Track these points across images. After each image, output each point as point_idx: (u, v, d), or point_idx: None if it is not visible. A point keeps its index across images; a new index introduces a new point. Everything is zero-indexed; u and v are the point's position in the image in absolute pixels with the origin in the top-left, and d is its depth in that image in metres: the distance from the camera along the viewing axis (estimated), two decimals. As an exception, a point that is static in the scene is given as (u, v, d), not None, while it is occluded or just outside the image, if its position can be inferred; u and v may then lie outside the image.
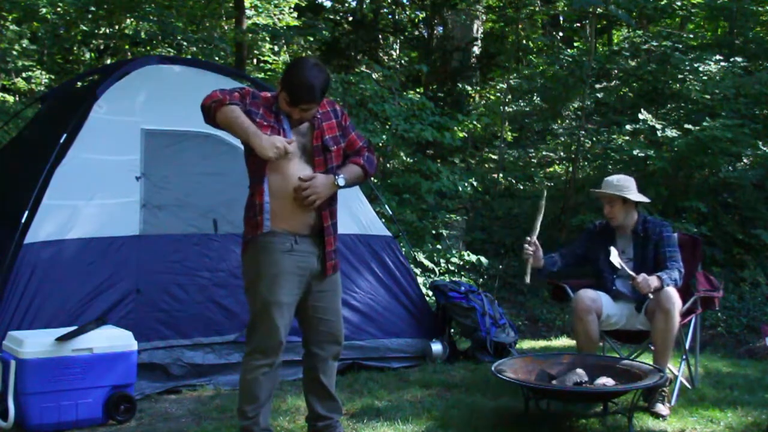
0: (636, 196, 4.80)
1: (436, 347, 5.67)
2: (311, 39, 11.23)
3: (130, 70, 5.32)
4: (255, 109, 3.45)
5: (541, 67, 12.85)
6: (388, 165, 9.64)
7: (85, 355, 4.15)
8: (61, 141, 4.82)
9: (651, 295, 4.51)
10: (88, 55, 12.72)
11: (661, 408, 4.36)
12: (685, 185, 9.66)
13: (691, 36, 11.54)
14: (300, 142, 3.52)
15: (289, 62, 3.55)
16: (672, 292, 4.51)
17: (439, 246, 8.88)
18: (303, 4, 12.96)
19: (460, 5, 12.63)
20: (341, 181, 3.53)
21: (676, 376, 4.73)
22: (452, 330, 6.07)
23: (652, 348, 4.64)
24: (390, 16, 13.74)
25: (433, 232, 9.12)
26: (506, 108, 12.61)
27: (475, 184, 9.76)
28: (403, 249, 6.19)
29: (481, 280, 9.06)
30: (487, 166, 12.94)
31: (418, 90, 11.91)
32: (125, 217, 4.86)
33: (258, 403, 3.51)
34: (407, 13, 13.72)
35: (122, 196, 4.89)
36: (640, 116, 9.42)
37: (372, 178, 8.58)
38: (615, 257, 4.66)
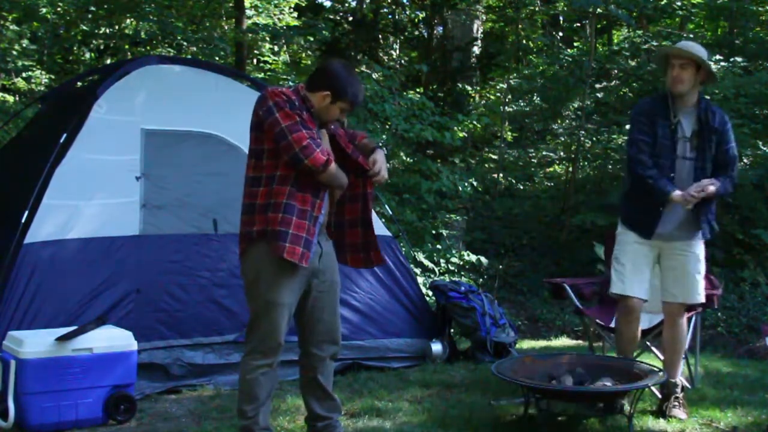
0: (710, 68, 4.37)
1: (436, 347, 5.67)
2: (311, 39, 11.24)
3: (130, 70, 5.32)
4: (307, 124, 3.44)
5: (541, 67, 12.87)
6: (388, 165, 9.62)
7: (85, 355, 4.14)
8: (61, 141, 4.82)
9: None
10: (88, 55, 12.71)
11: (679, 412, 4.35)
12: (685, 185, 9.65)
13: (691, 36, 11.54)
14: (324, 143, 3.58)
15: (333, 71, 3.56)
16: (681, 307, 4.44)
17: (439, 246, 8.88)
18: (303, 4, 12.96)
19: (460, 5, 12.63)
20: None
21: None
22: (452, 330, 6.07)
23: (662, 358, 4.60)
24: (390, 16, 13.73)
25: (433, 232, 9.12)
26: (506, 108, 12.62)
27: (475, 184, 9.77)
28: (403, 249, 6.19)
29: (481, 280, 9.07)
30: (487, 166, 12.94)
31: (418, 90, 11.90)
32: (125, 217, 4.86)
33: (258, 402, 3.51)
34: (407, 13, 13.72)
35: (122, 196, 4.89)
36: (640, 116, 9.40)
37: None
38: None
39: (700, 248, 4.46)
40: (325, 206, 3.54)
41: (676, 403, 4.38)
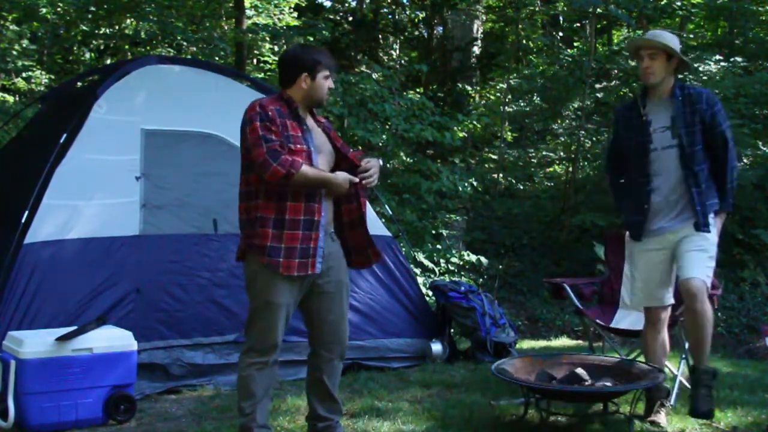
0: (682, 56, 4.21)
1: (436, 347, 5.68)
2: (311, 39, 11.23)
3: (130, 70, 5.32)
4: (286, 132, 3.44)
5: (541, 67, 12.87)
6: (388, 165, 9.64)
7: (85, 355, 4.14)
8: (61, 141, 4.82)
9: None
10: (88, 55, 12.72)
11: (704, 404, 4.06)
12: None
13: (691, 36, 11.55)
14: (315, 141, 3.58)
15: (291, 56, 3.62)
16: (698, 285, 4.02)
17: (439, 246, 8.88)
18: (303, 4, 12.96)
19: (460, 5, 12.64)
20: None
21: (675, 376, 4.72)
22: (452, 330, 6.07)
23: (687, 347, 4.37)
24: (390, 16, 13.74)
25: (433, 232, 9.13)
26: (506, 108, 12.62)
27: (475, 184, 9.77)
28: (403, 249, 6.19)
29: (481, 280, 9.07)
30: (487, 166, 12.95)
31: (418, 90, 11.90)
32: (125, 217, 4.86)
33: (254, 399, 3.52)
34: (407, 13, 13.72)
35: (122, 196, 4.89)
36: (640, 116, 9.40)
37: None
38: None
39: (707, 240, 4.12)
40: (325, 208, 3.54)
41: (707, 393, 4.03)
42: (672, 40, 4.20)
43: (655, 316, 4.30)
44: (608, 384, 4.10)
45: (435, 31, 13.43)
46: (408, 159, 9.94)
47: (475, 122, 10.93)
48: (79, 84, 6.25)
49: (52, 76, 11.54)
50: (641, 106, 4.27)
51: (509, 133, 13.31)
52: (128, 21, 11.75)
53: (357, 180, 3.54)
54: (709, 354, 4.10)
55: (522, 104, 13.27)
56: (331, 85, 3.61)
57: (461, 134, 10.16)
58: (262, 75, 11.94)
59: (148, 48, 11.28)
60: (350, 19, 13.75)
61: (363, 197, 3.68)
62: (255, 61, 12.70)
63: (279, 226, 3.42)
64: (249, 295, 3.56)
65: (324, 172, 3.48)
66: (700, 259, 4.11)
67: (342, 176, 3.51)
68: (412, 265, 6.61)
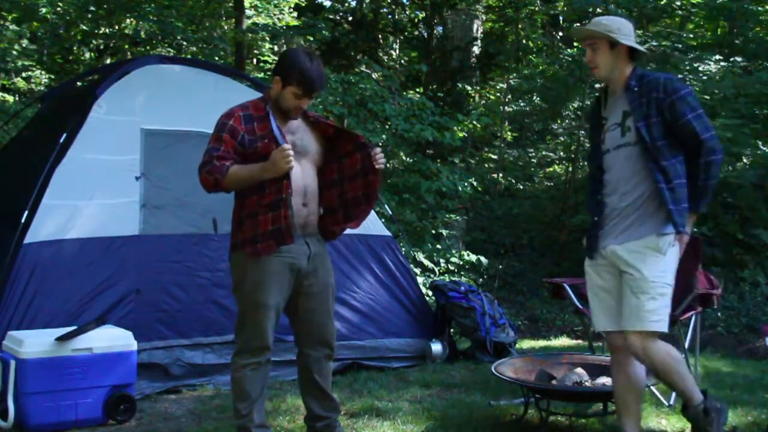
0: (629, 40, 3.55)
1: (436, 347, 5.68)
2: (311, 39, 11.23)
3: (130, 70, 5.32)
4: (252, 136, 3.44)
5: (541, 67, 12.86)
6: (388, 165, 9.64)
7: (85, 355, 4.14)
8: (61, 141, 4.82)
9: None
10: (88, 55, 12.72)
11: None
12: (685, 185, 9.63)
13: (691, 36, 11.54)
14: (300, 141, 3.56)
15: (283, 54, 3.58)
16: (632, 341, 3.44)
17: (439, 246, 8.89)
18: (303, 4, 12.96)
19: (460, 5, 12.64)
20: None
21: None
22: (452, 330, 6.08)
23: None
24: (390, 16, 13.73)
25: (433, 232, 9.13)
26: (506, 108, 12.62)
27: (475, 184, 9.77)
28: (403, 249, 6.19)
29: (481, 280, 9.07)
30: (487, 166, 12.95)
31: (418, 90, 11.91)
32: (125, 217, 4.86)
33: (250, 399, 3.53)
34: (407, 13, 13.72)
35: (122, 196, 4.89)
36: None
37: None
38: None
39: (648, 267, 3.44)
40: (310, 211, 3.54)
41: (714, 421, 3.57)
42: (611, 25, 3.56)
43: (614, 342, 3.59)
44: (608, 384, 4.10)
45: (435, 31, 13.42)
46: (408, 159, 9.94)
47: (475, 122, 10.93)
48: (79, 84, 6.25)
49: (52, 76, 11.54)
50: (603, 102, 3.71)
51: (509, 133, 13.31)
52: (128, 21, 11.74)
53: (288, 147, 3.34)
54: (690, 389, 3.57)
55: (522, 104, 13.27)
56: (301, 105, 3.47)
57: (461, 134, 10.16)
58: (262, 75, 11.93)
59: (148, 48, 11.29)
60: (350, 19, 13.74)
61: (373, 174, 3.62)
62: (255, 61, 12.70)
63: (253, 217, 3.45)
64: (237, 298, 3.57)
65: (250, 169, 3.38)
66: (637, 307, 3.43)
67: (273, 156, 3.33)
68: (412, 265, 6.62)
